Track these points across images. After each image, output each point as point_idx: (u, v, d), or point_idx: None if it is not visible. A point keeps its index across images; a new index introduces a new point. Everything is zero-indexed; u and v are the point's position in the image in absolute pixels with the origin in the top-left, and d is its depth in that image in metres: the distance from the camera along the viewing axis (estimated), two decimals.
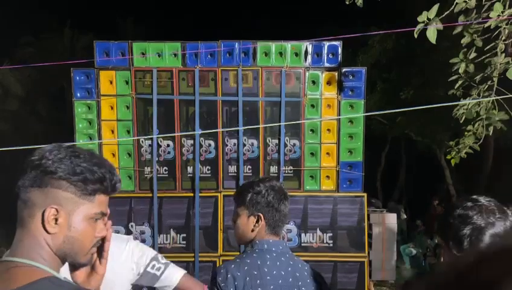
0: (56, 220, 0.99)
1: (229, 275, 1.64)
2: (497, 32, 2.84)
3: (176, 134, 4.21)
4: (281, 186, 1.82)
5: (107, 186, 1.05)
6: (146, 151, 4.36)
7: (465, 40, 2.97)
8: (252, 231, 1.77)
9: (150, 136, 4.28)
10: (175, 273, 1.82)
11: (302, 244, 4.36)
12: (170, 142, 4.36)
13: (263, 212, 1.75)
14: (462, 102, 3.10)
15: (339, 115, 4.28)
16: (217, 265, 4.18)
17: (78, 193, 1.01)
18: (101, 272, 1.17)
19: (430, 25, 2.52)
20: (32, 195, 0.99)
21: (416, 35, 2.61)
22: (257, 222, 1.76)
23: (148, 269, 1.78)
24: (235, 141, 4.37)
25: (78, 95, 4.29)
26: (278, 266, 1.68)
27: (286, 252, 1.75)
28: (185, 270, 1.91)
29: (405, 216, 10.64)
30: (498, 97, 2.98)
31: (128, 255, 1.77)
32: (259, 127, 4.30)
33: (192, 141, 4.35)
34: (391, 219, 7.57)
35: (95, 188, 1.02)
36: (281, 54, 4.28)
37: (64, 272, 1.06)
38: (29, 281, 0.91)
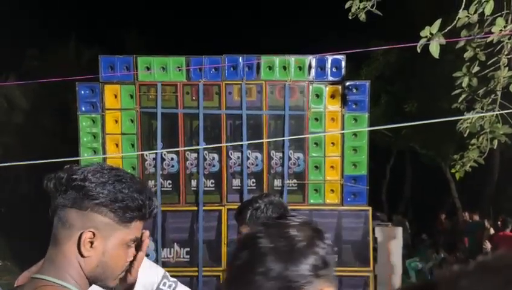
0: (92, 243, 0.99)
1: None
2: (499, 46, 2.85)
3: (180, 149, 4.23)
4: (279, 200, 1.81)
5: (145, 213, 1.04)
6: (150, 164, 4.37)
7: (468, 54, 2.99)
8: None
9: (154, 151, 4.29)
10: None
11: None
12: (174, 156, 4.37)
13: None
14: (466, 116, 3.09)
15: (343, 129, 4.28)
16: (221, 280, 4.15)
17: (117, 219, 1.00)
18: (132, 282, 1.18)
19: (432, 40, 2.53)
20: (72, 216, 0.99)
21: (419, 50, 2.63)
22: None
23: (161, 286, 1.80)
24: (239, 154, 4.37)
25: (83, 109, 4.32)
26: None
27: None
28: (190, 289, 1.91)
29: (409, 230, 10.56)
30: (502, 111, 2.98)
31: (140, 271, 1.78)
32: (263, 141, 4.30)
33: (196, 155, 4.36)
34: (397, 233, 7.49)
35: (134, 215, 1.02)
36: (284, 67, 4.31)
37: None
38: None
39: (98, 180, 0.98)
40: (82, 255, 0.98)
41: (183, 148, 4.26)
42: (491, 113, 2.97)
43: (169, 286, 1.81)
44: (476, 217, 8.53)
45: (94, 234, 0.98)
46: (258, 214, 1.76)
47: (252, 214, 1.76)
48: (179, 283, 1.87)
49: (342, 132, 4.27)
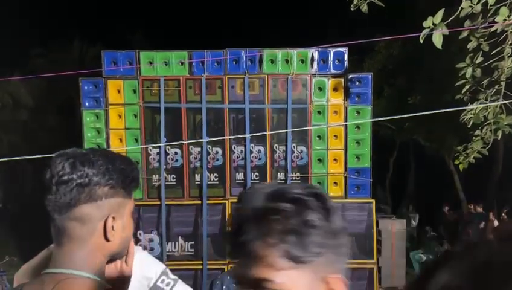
0: (112, 227, 1.01)
1: (224, 287, 1.62)
2: (503, 36, 2.83)
3: (183, 142, 4.24)
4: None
5: (138, 181, 1.10)
6: (154, 159, 4.39)
7: (471, 45, 2.97)
8: None
9: (158, 145, 4.31)
10: None
11: None
12: (178, 150, 4.38)
13: None
14: (470, 107, 3.08)
15: (346, 121, 4.28)
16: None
17: (125, 195, 1.04)
18: (133, 250, 1.22)
19: (435, 30, 2.52)
20: (88, 211, 0.98)
21: (422, 41, 2.61)
22: None
23: (158, 283, 1.77)
24: (242, 148, 4.38)
25: (87, 104, 4.33)
26: None
27: None
28: (192, 288, 1.89)
29: (415, 224, 10.56)
30: (506, 101, 2.97)
31: (136, 265, 1.77)
32: (266, 134, 4.31)
33: (199, 149, 4.37)
34: (400, 225, 7.50)
35: (134, 185, 1.06)
36: (287, 61, 4.30)
37: None
38: None
39: (99, 169, 0.98)
40: (108, 241, 1.00)
41: (186, 141, 4.27)
42: (495, 104, 2.96)
43: (168, 284, 1.78)
44: (480, 209, 8.51)
45: (114, 218, 1.00)
46: None
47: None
48: (179, 280, 1.84)
49: (345, 123, 4.27)
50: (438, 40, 2.53)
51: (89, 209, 0.98)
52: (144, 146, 4.31)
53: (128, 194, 1.05)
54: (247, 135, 4.26)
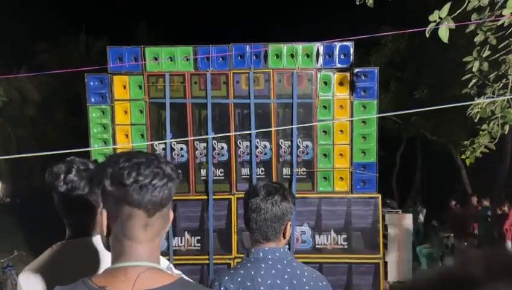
0: None
1: (222, 288, 1.59)
2: (510, 29, 2.80)
3: (189, 138, 4.24)
4: (269, 189, 1.67)
5: None
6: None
7: (478, 38, 2.93)
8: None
9: (164, 141, 4.32)
10: None
11: (317, 246, 4.35)
12: (183, 146, 4.39)
13: (245, 214, 1.72)
14: (477, 101, 3.05)
15: (352, 116, 4.26)
16: (231, 267, 4.19)
17: None
18: None
19: (441, 24, 2.49)
20: (168, 209, 1.11)
21: (428, 35, 2.59)
22: None
23: None
24: (248, 143, 4.38)
25: (93, 100, 4.35)
26: (273, 275, 1.60)
27: (284, 259, 1.65)
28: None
29: (422, 218, 10.52)
30: None
31: None
32: (271, 130, 4.30)
33: (205, 144, 4.37)
34: (407, 220, 7.49)
35: None
36: (292, 55, 4.28)
37: None
38: (170, 282, 1.04)
39: (177, 173, 1.08)
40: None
41: (192, 138, 4.28)
42: (502, 98, 2.93)
43: None
44: (487, 203, 8.46)
45: None
46: (245, 203, 1.77)
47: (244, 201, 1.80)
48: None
49: (351, 119, 4.25)
50: (444, 34, 2.51)
51: (168, 208, 1.08)
52: (150, 142, 4.33)
53: None
54: (253, 131, 4.26)
